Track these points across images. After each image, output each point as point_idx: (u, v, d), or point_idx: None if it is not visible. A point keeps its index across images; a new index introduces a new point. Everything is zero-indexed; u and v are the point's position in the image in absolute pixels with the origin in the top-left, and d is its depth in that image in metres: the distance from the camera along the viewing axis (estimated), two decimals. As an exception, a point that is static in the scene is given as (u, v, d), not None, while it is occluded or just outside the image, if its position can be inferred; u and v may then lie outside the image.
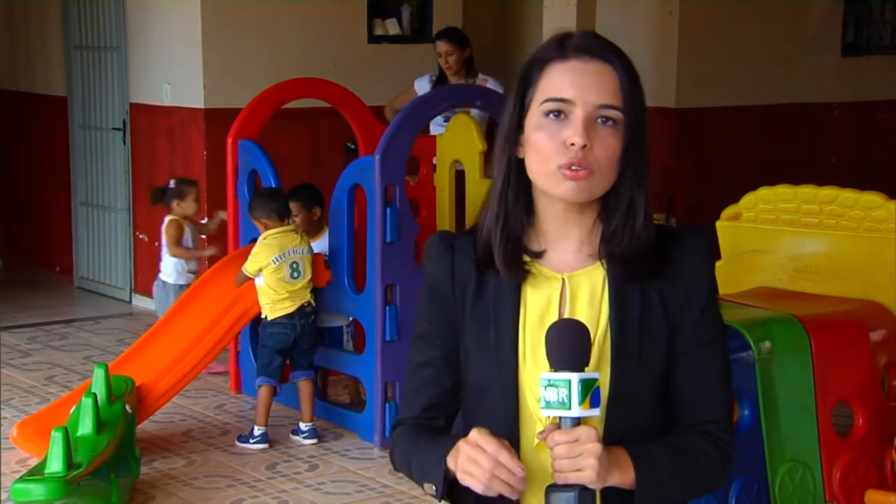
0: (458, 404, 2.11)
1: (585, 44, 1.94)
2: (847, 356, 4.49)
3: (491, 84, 7.30)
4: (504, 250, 1.98)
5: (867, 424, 4.48)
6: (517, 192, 1.99)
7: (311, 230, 6.10)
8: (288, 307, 5.69)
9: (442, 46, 7.34)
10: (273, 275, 5.66)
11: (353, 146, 6.94)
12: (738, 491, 4.01)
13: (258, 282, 5.73)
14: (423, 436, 2.06)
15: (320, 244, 6.07)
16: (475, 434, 1.89)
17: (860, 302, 4.81)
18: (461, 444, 1.91)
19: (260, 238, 5.74)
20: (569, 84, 1.91)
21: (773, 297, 4.85)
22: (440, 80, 7.41)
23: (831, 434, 4.37)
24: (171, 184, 6.88)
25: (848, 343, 4.52)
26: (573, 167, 1.89)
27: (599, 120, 1.91)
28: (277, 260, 5.67)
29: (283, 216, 5.78)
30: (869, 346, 4.57)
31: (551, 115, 1.92)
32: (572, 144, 1.89)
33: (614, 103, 1.91)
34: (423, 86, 7.44)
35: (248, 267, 5.71)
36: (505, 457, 1.86)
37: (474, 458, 1.87)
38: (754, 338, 4.10)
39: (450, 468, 1.93)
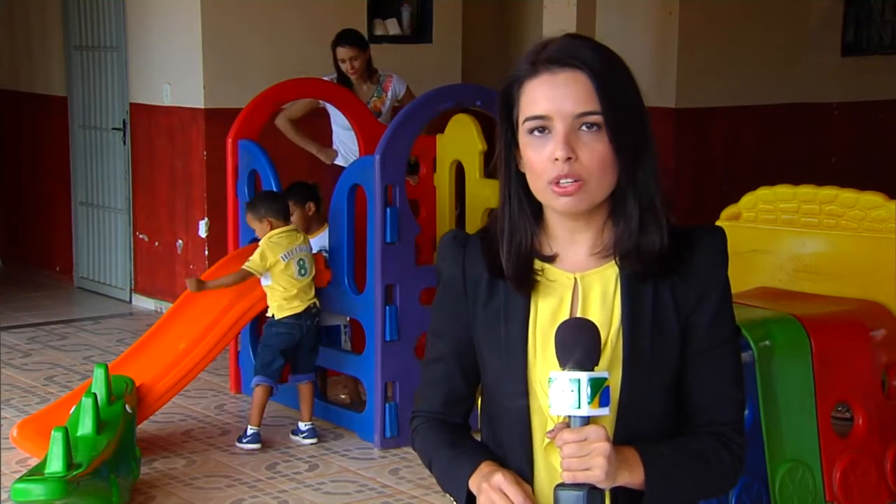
0: (472, 401, 2.13)
1: (555, 54, 1.93)
2: (847, 356, 4.49)
3: (396, 80, 7.22)
4: (514, 263, 1.99)
5: (867, 424, 4.48)
6: (522, 204, 1.99)
7: (309, 226, 6.09)
8: (297, 306, 5.69)
9: (346, 52, 7.04)
10: (283, 272, 5.66)
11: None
12: (738, 491, 4.02)
13: (265, 282, 5.72)
14: (443, 437, 2.08)
15: (320, 240, 6.06)
16: (500, 477, 1.92)
17: (860, 302, 4.81)
18: (481, 480, 1.93)
19: (264, 238, 5.72)
20: (543, 99, 1.92)
21: (773, 297, 4.85)
22: (342, 84, 7.07)
23: (831, 434, 4.37)
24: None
25: (848, 343, 4.52)
26: (562, 182, 1.90)
27: (584, 127, 1.90)
28: (286, 257, 5.67)
29: (287, 216, 5.81)
30: (869, 346, 4.57)
31: (535, 132, 1.93)
32: (556, 159, 1.89)
33: (591, 109, 1.90)
34: None
35: (253, 265, 5.64)
36: None
37: (496, 502, 1.91)
38: (754, 338, 4.10)
39: (471, 490, 1.97)
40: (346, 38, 7.14)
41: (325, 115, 7.23)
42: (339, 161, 7.22)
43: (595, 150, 1.90)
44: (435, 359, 2.11)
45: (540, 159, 1.91)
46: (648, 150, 1.96)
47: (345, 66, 7.07)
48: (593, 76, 1.91)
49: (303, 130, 7.19)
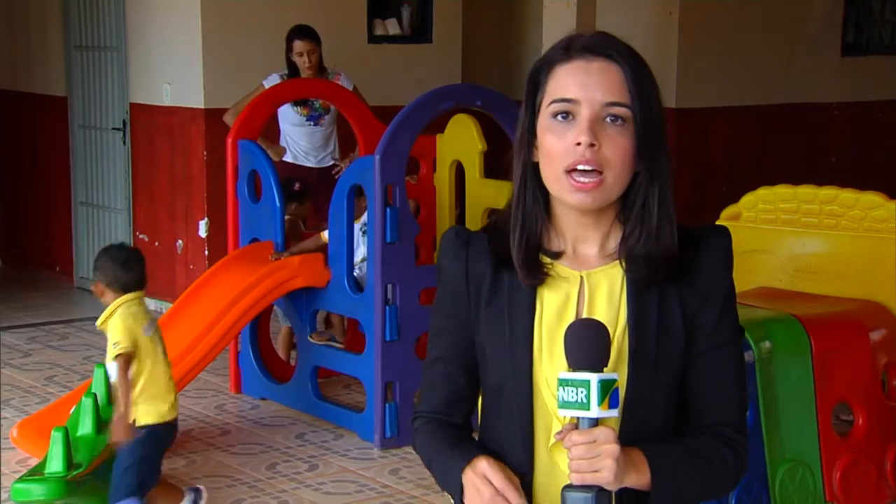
0: (474, 401, 2.12)
1: (591, 43, 1.93)
2: (847, 356, 4.49)
3: (343, 78, 7.25)
4: (524, 254, 1.97)
5: (867, 424, 4.48)
6: (534, 196, 1.98)
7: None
8: (174, 403, 4.59)
9: (304, 45, 7.10)
10: (151, 354, 4.51)
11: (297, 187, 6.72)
12: (738, 491, 4.01)
13: (114, 373, 4.44)
14: (444, 438, 2.07)
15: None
16: (485, 464, 1.91)
17: (860, 302, 4.81)
18: (469, 470, 1.93)
19: (117, 309, 4.50)
20: (574, 84, 1.90)
21: (773, 297, 4.85)
22: (292, 79, 7.14)
23: (831, 434, 4.37)
24: (297, 186, 6.74)
25: (848, 343, 4.52)
26: (580, 168, 1.88)
27: (608, 119, 1.89)
28: (149, 330, 4.55)
29: (130, 288, 4.55)
30: (869, 346, 4.57)
31: (559, 117, 1.91)
32: (578, 144, 1.88)
33: (621, 100, 1.89)
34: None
35: (125, 345, 4.41)
36: (512, 495, 1.88)
37: (479, 488, 1.90)
38: (754, 338, 4.10)
39: (464, 483, 1.96)
40: (304, 31, 7.21)
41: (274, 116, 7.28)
42: (287, 158, 7.28)
43: (618, 143, 1.89)
44: (436, 358, 2.10)
45: (560, 144, 1.90)
46: (666, 153, 1.95)
47: (302, 60, 7.13)
48: (627, 69, 1.91)
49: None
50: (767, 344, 4.14)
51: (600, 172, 1.89)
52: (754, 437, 4.07)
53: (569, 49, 1.93)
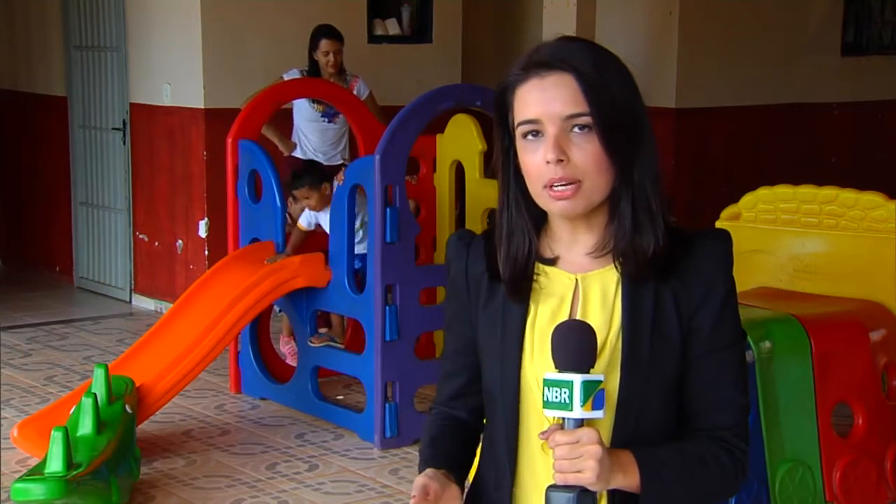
0: (478, 397, 2.13)
1: (544, 57, 1.94)
2: (847, 356, 4.49)
3: (361, 83, 7.29)
4: (511, 269, 2.00)
5: (867, 424, 4.49)
6: (521, 209, 2.00)
7: (326, 205, 6.12)
8: None
9: (331, 45, 7.17)
10: None
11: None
12: (738, 491, 4.01)
13: None
14: (433, 435, 2.11)
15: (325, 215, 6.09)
16: (422, 478, 1.95)
17: (860, 302, 4.81)
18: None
19: None
20: (534, 103, 1.92)
21: (773, 297, 4.85)
22: (313, 76, 7.20)
23: (831, 434, 4.37)
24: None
25: (848, 343, 4.52)
26: (556, 185, 1.90)
27: (575, 129, 1.91)
28: None
29: None
30: (869, 346, 4.57)
31: (529, 136, 1.93)
32: (548, 162, 1.90)
33: (580, 110, 1.90)
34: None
35: None
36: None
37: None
38: (754, 338, 4.10)
39: None
40: (331, 31, 7.25)
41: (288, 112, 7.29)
42: (297, 153, 7.30)
43: (587, 151, 1.90)
44: (445, 354, 2.15)
45: (534, 163, 1.92)
46: (645, 149, 1.95)
47: (327, 59, 7.18)
48: (580, 77, 1.91)
49: (270, 120, 7.19)
50: (767, 344, 4.14)
51: (577, 181, 1.91)
52: (754, 437, 4.07)
53: (526, 68, 1.95)
